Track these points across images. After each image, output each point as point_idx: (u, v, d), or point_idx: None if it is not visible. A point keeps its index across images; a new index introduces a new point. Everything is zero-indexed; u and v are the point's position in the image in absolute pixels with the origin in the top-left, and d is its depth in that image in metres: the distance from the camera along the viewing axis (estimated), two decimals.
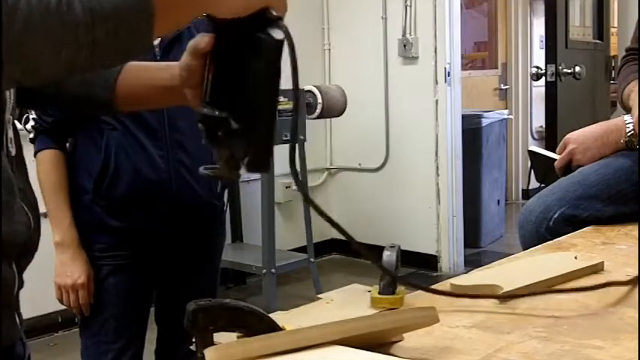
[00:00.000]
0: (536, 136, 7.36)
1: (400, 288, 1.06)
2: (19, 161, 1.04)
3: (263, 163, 0.93)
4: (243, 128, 0.90)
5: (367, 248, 0.94)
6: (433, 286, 1.18)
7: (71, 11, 0.73)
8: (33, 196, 1.07)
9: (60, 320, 3.91)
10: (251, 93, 0.91)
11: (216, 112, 0.90)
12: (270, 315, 0.88)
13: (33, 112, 1.97)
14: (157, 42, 2.00)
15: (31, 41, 0.72)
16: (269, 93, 0.91)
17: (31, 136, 1.99)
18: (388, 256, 1.06)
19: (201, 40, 0.94)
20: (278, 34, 0.88)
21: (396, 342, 0.92)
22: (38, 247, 1.07)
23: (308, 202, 0.93)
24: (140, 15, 0.78)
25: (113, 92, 1.14)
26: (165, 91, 1.11)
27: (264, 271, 3.99)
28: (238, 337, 0.85)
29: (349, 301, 1.08)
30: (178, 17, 0.85)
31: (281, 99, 3.88)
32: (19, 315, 1.04)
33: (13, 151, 1.00)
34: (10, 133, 1.00)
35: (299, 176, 0.92)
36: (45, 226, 1.92)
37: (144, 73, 1.18)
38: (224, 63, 0.92)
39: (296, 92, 0.89)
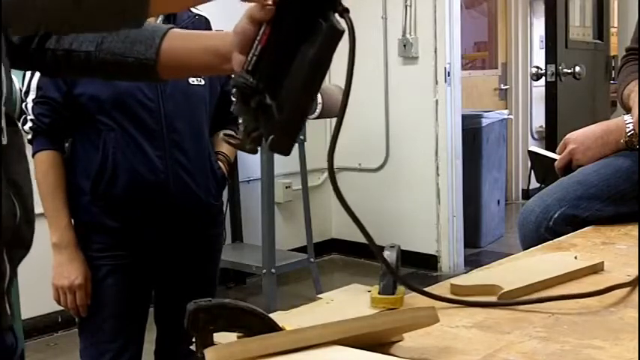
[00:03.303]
0: (536, 136, 7.36)
1: (400, 288, 1.06)
2: (16, 152, 1.04)
3: (286, 146, 0.92)
4: (277, 106, 0.90)
5: (380, 250, 0.95)
6: (432, 288, 1.18)
7: None
8: (28, 190, 1.07)
9: (60, 320, 3.91)
10: (294, 75, 0.90)
11: (254, 82, 0.90)
12: (270, 315, 0.88)
13: (31, 113, 1.97)
14: None
15: None
16: (312, 80, 0.91)
17: (29, 137, 1.99)
18: (388, 256, 1.06)
19: (261, 7, 0.92)
20: (340, 25, 0.87)
21: (396, 342, 0.92)
22: (32, 242, 1.07)
23: (340, 198, 0.93)
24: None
25: (158, 52, 1.10)
26: (214, 55, 1.08)
27: (264, 271, 3.99)
28: (238, 337, 0.85)
29: (349, 301, 1.08)
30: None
31: None
32: (11, 306, 1.04)
33: (5, 141, 1.00)
34: (3, 123, 1.00)
35: (333, 169, 0.93)
36: (44, 227, 1.94)
37: (192, 36, 1.16)
38: (278, 38, 0.91)
39: (348, 86, 0.89)
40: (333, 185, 0.93)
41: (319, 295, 1.12)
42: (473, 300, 1.09)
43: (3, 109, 1.00)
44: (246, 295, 4.70)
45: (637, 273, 1.15)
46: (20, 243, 1.04)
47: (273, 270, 3.99)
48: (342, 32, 0.88)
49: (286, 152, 0.93)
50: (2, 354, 1.03)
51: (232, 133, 2.13)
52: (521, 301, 1.08)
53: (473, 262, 5.03)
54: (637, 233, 1.41)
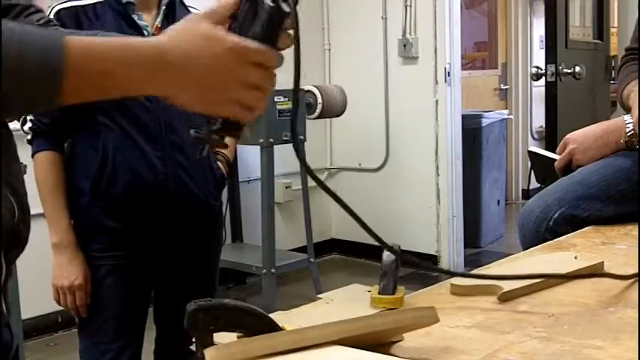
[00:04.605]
0: (536, 136, 7.36)
1: (400, 288, 1.06)
2: (8, 153, 1.04)
3: (236, 129, 0.94)
4: None
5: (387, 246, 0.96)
6: (432, 288, 1.18)
7: None
8: (23, 190, 1.07)
9: (60, 320, 3.91)
10: None
11: None
12: (270, 315, 0.88)
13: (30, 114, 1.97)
14: None
15: None
16: None
17: (29, 137, 1.99)
18: (388, 256, 1.06)
19: (223, 2, 0.93)
20: (285, 6, 0.90)
21: (396, 342, 0.92)
22: (28, 241, 1.08)
23: (325, 189, 0.94)
24: (44, 83, 0.77)
25: None
26: None
27: (264, 271, 3.99)
28: (238, 337, 0.85)
29: (349, 301, 1.08)
30: (102, 88, 0.84)
31: (281, 99, 3.88)
32: (7, 303, 1.04)
33: None
34: None
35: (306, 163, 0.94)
36: (44, 227, 1.94)
37: None
38: (234, 29, 0.93)
39: (297, 63, 0.92)
40: (310, 175, 0.94)
41: (319, 295, 1.12)
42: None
43: None
44: (246, 295, 4.70)
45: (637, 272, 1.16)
46: (17, 242, 1.05)
47: (273, 270, 3.99)
48: (286, 13, 0.91)
49: (236, 134, 0.95)
50: None
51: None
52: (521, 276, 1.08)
53: (473, 262, 5.03)
54: (637, 233, 1.41)
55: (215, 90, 0.88)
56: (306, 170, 0.94)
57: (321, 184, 0.96)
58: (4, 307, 1.04)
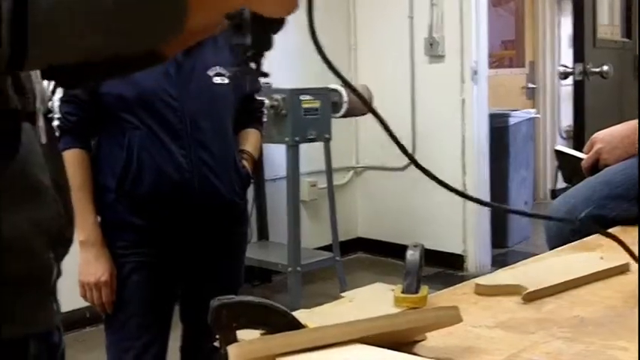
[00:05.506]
0: (564, 135, 7.30)
1: (424, 287, 1.06)
2: (54, 152, 1.05)
3: (269, 42, 0.94)
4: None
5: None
6: (457, 287, 1.18)
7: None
8: (68, 188, 1.08)
9: (88, 316, 3.94)
10: None
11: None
12: (294, 313, 0.88)
13: (58, 111, 1.99)
14: None
15: (55, 25, 0.70)
16: None
17: (56, 135, 2.01)
18: (412, 255, 1.06)
19: None
20: None
21: (419, 341, 0.92)
22: (73, 240, 1.09)
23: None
24: (173, 6, 0.78)
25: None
26: None
27: (290, 269, 4.00)
28: (261, 335, 0.85)
29: (372, 300, 1.08)
30: (216, 8, 0.86)
31: (306, 97, 3.88)
32: (57, 304, 1.05)
33: (44, 140, 1.01)
34: (41, 122, 1.01)
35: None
36: None
37: None
38: None
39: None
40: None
41: (342, 294, 1.12)
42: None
43: (41, 107, 1.01)
44: (271, 292, 4.71)
45: None
46: (65, 242, 1.06)
47: (298, 268, 4.00)
48: None
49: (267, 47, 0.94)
50: (48, 352, 1.04)
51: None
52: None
53: (500, 262, 4.99)
54: None
55: None
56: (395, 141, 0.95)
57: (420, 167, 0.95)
58: (55, 307, 1.03)
